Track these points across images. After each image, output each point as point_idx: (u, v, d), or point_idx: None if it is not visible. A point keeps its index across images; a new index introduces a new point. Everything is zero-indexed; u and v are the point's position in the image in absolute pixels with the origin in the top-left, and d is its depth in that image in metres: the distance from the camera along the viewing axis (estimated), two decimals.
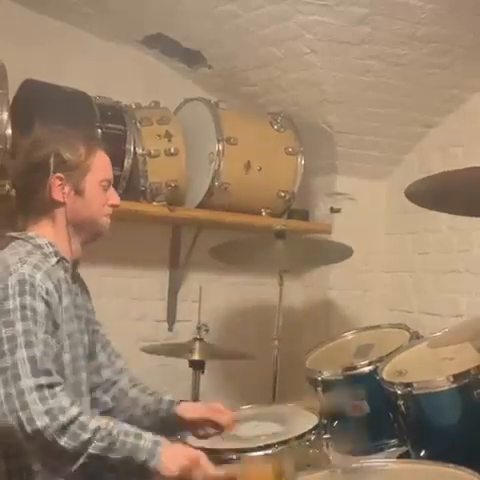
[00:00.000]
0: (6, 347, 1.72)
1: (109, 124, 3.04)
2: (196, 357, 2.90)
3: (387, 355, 2.53)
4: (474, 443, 2.11)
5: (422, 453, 2.22)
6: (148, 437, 1.72)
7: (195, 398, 2.99)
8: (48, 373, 1.71)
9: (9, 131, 2.71)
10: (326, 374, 2.64)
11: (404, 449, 2.44)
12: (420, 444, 2.25)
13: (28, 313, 1.77)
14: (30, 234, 1.96)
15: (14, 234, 1.97)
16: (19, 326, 1.75)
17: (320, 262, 3.55)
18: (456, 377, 2.14)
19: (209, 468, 1.77)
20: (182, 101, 3.48)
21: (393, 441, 2.49)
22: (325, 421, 2.52)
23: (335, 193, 3.78)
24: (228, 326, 3.72)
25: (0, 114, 2.71)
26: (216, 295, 3.71)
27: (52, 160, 1.93)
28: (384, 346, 2.66)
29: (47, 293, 1.83)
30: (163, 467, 1.69)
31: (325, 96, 3.38)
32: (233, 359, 3.33)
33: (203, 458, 1.77)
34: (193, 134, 3.32)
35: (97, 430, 1.66)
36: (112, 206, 2.10)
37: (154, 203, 3.17)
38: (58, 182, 1.94)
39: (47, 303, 1.83)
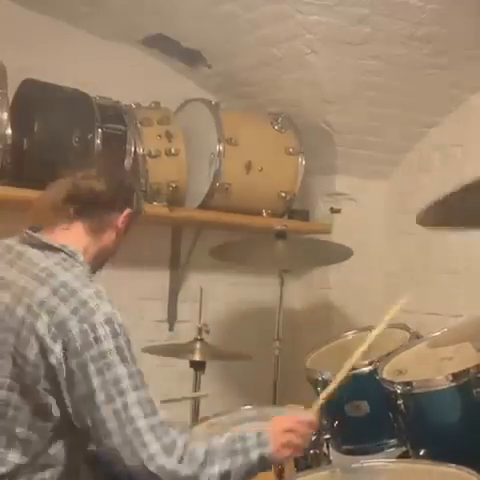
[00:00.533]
0: (114, 391, 1.73)
1: (109, 124, 3.04)
2: (197, 357, 2.90)
3: (387, 355, 2.53)
4: (474, 442, 2.11)
5: (422, 452, 2.22)
6: (250, 434, 1.80)
7: (196, 398, 2.99)
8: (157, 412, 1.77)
9: (9, 131, 2.71)
10: (326, 374, 2.64)
11: (404, 449, 2.44)
12: (420, 443, 2.25)
13: (127, 355, 1.78)
14: (71, 248, 1.94)
15: (54, 244, 1.92)
16: (121, 369, 1.75)
17: (320, 262, 3.54)
18: (456, 376, 2.14)
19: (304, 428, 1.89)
20: (182, 101, 3.48)
21: (393, 441, 2.49)
22: (325, 421, 2.53)
23: (335, 193, 3.78)
24: (229, 326, 3.72)
25: (0, 114, 2.71)
26: (217, 295, 3.70)
27: (134, 200, 2.15)
28: (384, 346, 2.66)
29: (125, 329, 1.83)
30: (276, 452, 1.80)
31: (325, 96, 3.38)
32: (234, 360, 3.33)
33: (297, 423, 1.88)
34: (194, 134, 3.32)
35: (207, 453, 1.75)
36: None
37: (154, 203, 3.17)
38: (127, 216, 2.11)
39: (128, 340, 1.82)
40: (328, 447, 2.48)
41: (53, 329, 1.74)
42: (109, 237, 2.09)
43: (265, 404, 2.92)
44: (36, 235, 1.94)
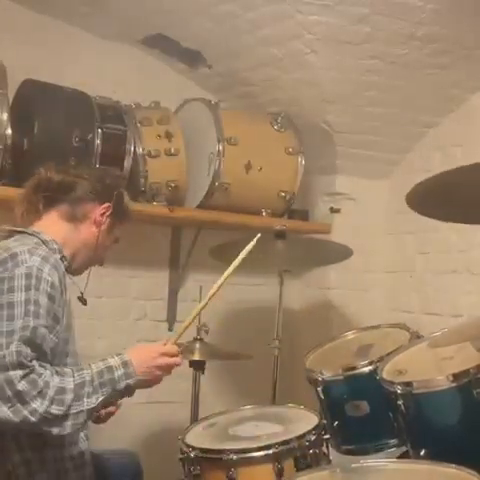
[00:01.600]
0: (4, 340, 1.80)
1: (109, 124, 3.04)
2: (196, 357, 2.90)
3: (387, 355, 2.53)
4: (474, 442, 2.11)
5: (422, 453, 2.22)
6: (116, 363, 1.93)
7: (195, 398, 2.99)
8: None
9: (9, 131, 2.72)
10: (326, 374, 2.65)
11: (404, 449, 2.44)
12: (420, 443, 2.25)
13: (31, 308, 1.84)
14: (36, 229, 2.06)
15: (17, 228, 2.06)
16: (19, 322, 1.82)
17: (320, 262, 3.54)
18: (456, 376, 2.14)
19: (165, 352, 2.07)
20: (182, 101, 3.48)
21: (393, 441, 2.49)
22: (325, 421, 2.53)
23: (335, 193, 3.78)
24: (228, 326, 3.72)
25: (0, 114, 2.71)
26: (216, 295, 3.70)
27: (115, 197, 2.20)
28: (384, 346, 2.66)
29: (52, 287, 1.91)
30: (141, 380, 1.98)
31: (325, 96, 3.38)
32: (233, 359, 3.33)
33: (158, 349, 2.06)
34: (193, 134, 3.32)
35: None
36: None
37: (154, 203, 3.17)
38: (106, 210, 2.17)
39: (50, 297, 1.90)
40: (328, 447, 2.47)
41: None
42: (88, 229, 2.16)
43: (265, 404, 2.92)
44: (8, 227, 2.08)
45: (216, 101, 3.43)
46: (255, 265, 3.48)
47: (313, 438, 2.32)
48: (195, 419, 2.87)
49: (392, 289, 3.79)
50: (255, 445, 2.28)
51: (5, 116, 2.71)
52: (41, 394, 1.79)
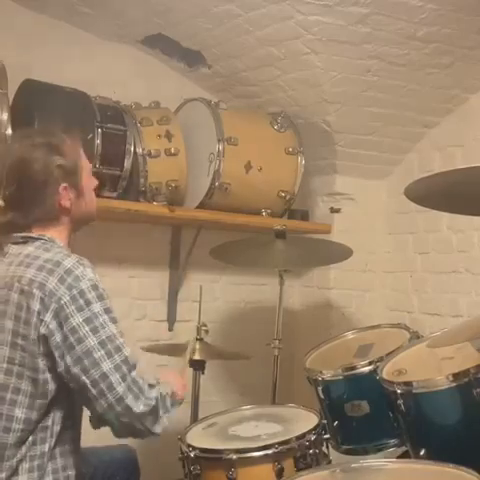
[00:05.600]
0: (109, 347, 1.91)
1: (109, 124, 3.04)
2: (196, 357, 2.90)
3: (387, 355, 2.53)
4: (474, 442, 2.11)
5: (422, 452, 2.22)
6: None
7: (195, 398, 2.99)
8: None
9: (9, 131, 2.71)
10: (326, 374, 2.65)
11: (404, 449, 2.44)
12: (420, 443, 2.25)
13: (114, 315, 1.96)
14: (49, 236, 2.03)
15: (33, 235, 2.02)
16: (113, 328, 1.93)
17: (320, 262, 3.54)
18: (456, 376, 2.14)
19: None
20: (182, 101, 3.48)
21: (393, 441, 2.50)
22: (325, 421, 2.53)
23: (335, 193, 3.79)
24: (228, 326, 3.72)
25: (0, 114, 2.71)
26: (216, 295, 3.71)
27: (56, 173, 2.02)
28: (384, 346, 2.66)
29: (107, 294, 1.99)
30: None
31: (325, 96, 3.38)
32: (233, 359, 3.33)
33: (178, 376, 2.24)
34: (193, 134, 3.32)
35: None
36: (95, 189, 2.21)
37: (154, 203, 3.17)
38: (64, 192, 2.04)
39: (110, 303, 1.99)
40: (328, 447, 2.47)
41: (45, 300, 1.87)
42: (66, 216, 2.07)
43: (265, 404, 2.93)
44: (13, 234, 2.03)
45: (216, 101, 3.43)
46: (255, 265, 3.50)
47: (313, 438, 2.32)
48: (195, 419, 2.87)
49: (392, 289, 3.79)
50: (255, 445, 2.28)
51: (5, 116, 2.71)
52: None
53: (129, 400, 1.91)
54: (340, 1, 2.86)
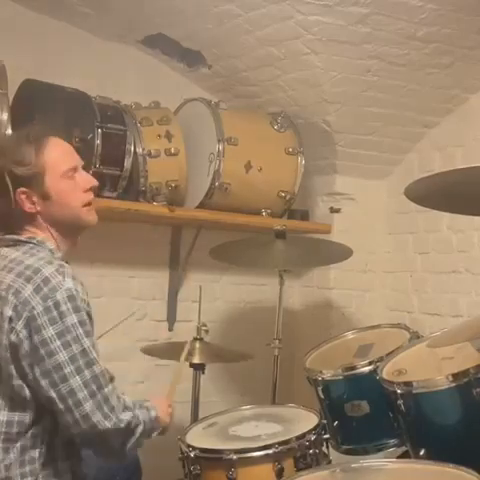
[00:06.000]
0: (81, 362, 1.86)
1: (109, 124, 3.04)
2: (196, 360, 2.90)
3: (387, 355, 2.53)
4: (474, 442, 2.11)
5: (422, 452, 2.22)
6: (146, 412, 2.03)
7: (195, 398, 2.99)
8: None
9: (9, 131, 2.71)
10: (326, 374, 2.65)
11: (404, 449, 2.44)
12: (420, 443, 2.25)
13: (89, 329, 1.89)
14: (39, 238, 1.98)
15: (22, 238, 1.98)
16: (87, 342, 1.87)
17: (320, 262, 3.54)
18: (456, 376, 2.14)
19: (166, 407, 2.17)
20: (182, 101, 3.48)
21: (393, 441, 2.49)
22: (325, 421, 2.53)
23: (335, 193, 3.78)
24: (228, 326, 3.72)
25: (0, 114, 2.71)
26: (216, 295, 3.71)
27: (7, 179, 1.94)
28: (384, 346, 2.66)
29: (86, 304, 1.92)
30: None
31: (325, 96, 3.38)
32: (234, 360, 3.33)
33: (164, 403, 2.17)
34: (193, 134, 3.32)
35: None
36: (88, 190, 2.06)
37: (154, 203, 3.17)
38: (24, 196, 1.96)
39: (88, 314, 1.92)
40: (328, 447, 2.47)
41: (18, 308, 1.83)
42: (42, 222, 1.99)
43: (265, 404, 2.92)
44: (6, 236, 2.00)
45: (216, 101, 3.43)
46: (255, 265, 3.50)
47: (313, 438, 2.32)
48: (195, 419, 2.87)
49: (392, 289, 3.79)
50: (255, 445, 2.28)
51: (5, 116, 2.71)
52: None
53: (96, 418, 1.86)
54: (340, 1, 2.86)
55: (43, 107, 2.92)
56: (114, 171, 3.04)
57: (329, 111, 3.45)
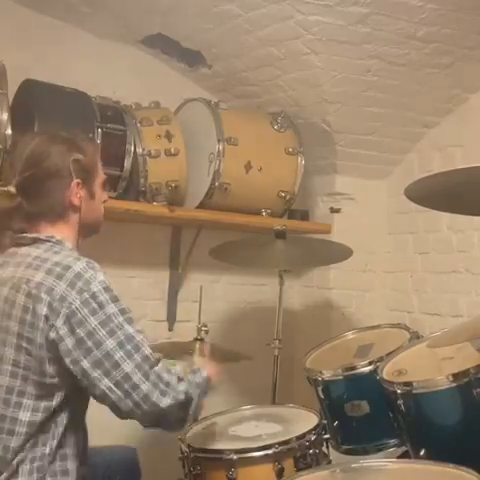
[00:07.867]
0: (128, 347, 1.89)
1: (109, 124, 3.04)
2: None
3: (387, 355, 2.53)
4: (474, 442, 2.11)
5: (422, 452, 2.22)
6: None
7: None
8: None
9: (9, 131, 2.71)
10: (326, 374, 2.65)
11: (404, 449, 2.44)
12: (420, 443, 2.25)
13: (130, 316, 1.93)
14: (58, 238, 2.00)
15: (42, 236, 2.00)
16: (130, 328, 1.91)
17: (320, 262, 3.54)
18: (456, 376, 2.14)
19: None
20: (182, 101, 3.48)
21: (393, 441, 2.49)
22: (325, 421, 2.53)
23: (335, 193, 3.78)
24: (228, 326, 3.72)
25: (0, 114, 2.71)
26: (216, 295, 3.71)
27: (72, 167, 2.01)
28: (384, 346, 2.66)
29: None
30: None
31: (325, 96, 3.38)
32: (233, 360, 3.33)
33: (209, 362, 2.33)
34: (193, 134, 3.32)
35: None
36: (104, 202, 2.20)
37: (154, 203, 3.17)
38: (76, 187, 2.02)
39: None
40: (328, 447, 2.47)
41: (53, 305, 1.85)
42: (75, 216, 2.05)
43: (265, 404, 2.92)
44: (23, 234, 2.00)
45: (216, 101, 3.43)
46: (255, 265, 3.50)
47: (313, 438, 2.33)
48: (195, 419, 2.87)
49: (392, 289, 3.79)
50: (255, 445, 2.29)
51: (5, 116, 2.71)
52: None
53: (155, 397, 1.90)
54: (340, 1, 2.86)
55: (43, 107, 2.92)
56: (114, 171, 3.04)
57: (329, 111, 3.45)
